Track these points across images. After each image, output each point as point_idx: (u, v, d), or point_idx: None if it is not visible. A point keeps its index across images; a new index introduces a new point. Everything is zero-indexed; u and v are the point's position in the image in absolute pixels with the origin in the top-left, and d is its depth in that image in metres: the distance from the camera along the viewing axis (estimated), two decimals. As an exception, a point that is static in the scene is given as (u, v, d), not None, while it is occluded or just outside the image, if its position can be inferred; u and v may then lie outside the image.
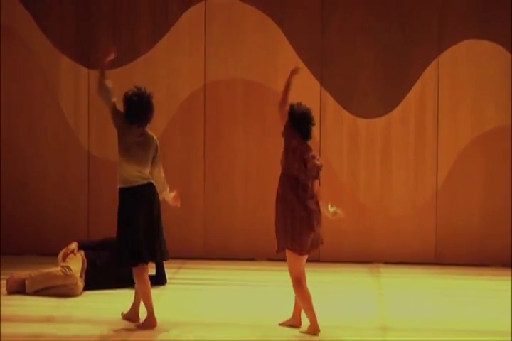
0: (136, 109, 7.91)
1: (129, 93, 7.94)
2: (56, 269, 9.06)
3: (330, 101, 10.69)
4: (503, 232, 10.69)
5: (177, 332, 7.78)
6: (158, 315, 7.99)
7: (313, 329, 7.84)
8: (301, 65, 10.59)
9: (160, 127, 10.61)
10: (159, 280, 9.45)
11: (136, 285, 8.02)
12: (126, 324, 7.98)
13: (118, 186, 7.95)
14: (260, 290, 9.44)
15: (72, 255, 9.21)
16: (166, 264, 9.44)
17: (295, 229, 7.76)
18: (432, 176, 10.75)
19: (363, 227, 10.75)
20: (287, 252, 7.79)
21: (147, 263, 7.97)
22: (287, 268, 7.78)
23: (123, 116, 7.93)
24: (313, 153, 7.87)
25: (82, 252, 9.28)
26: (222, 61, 10.83)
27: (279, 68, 10.75)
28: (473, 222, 10.75)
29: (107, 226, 10.44)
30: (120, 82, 10.77)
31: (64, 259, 9.20)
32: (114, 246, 8.00)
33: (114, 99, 7.97)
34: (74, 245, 9.32)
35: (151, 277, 9.42)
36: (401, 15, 10.68)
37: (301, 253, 7.78)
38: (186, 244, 10.71)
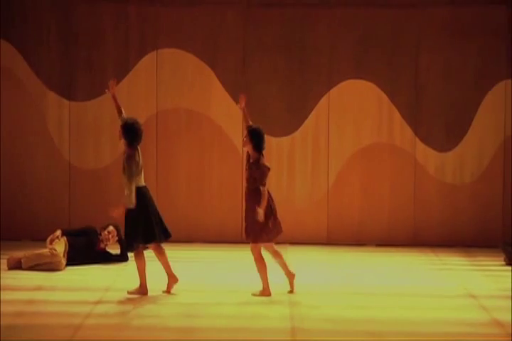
0: (136, 134, 7.72)
1: (128, 122, 7.70)
2: (45, 250, 9.01)
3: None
4: (379, 219, 10.72)
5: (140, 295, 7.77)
6: (124, 285, 7.92)
7: (266, 293, 7.72)
8: (227, 98, 10.71)
9: (122, 146, 10.54)
10: (123, 258, 9.41)
11: (136, 262, 7.76)
12: (99, 290, 7.90)
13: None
14: (198, 265, 9.40)
15: (57, 240, 9.17)
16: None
17: (259, 222, 7.58)
18: (325, 179, 10.79)
19: (274, 217, 10.79)
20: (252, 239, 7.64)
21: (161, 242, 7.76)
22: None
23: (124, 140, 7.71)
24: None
25: (65, 237, 9.22)
26: (170, 95, 10.81)
27: (212, 100, 10.77)
28: (354, 213, 10.80)
29: (84, 218, 10.46)
30: (93, 110, 10.82)
31: (51, 243, 9.15)
32: (129, 231, 7.66)
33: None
34: (58, 232, 9.26)
35: (116, 256, 9.49)
36: (301, 60, 10.70)
37: (262, 241, 7.64)
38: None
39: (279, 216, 7.86)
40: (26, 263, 8.93)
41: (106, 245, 9.43)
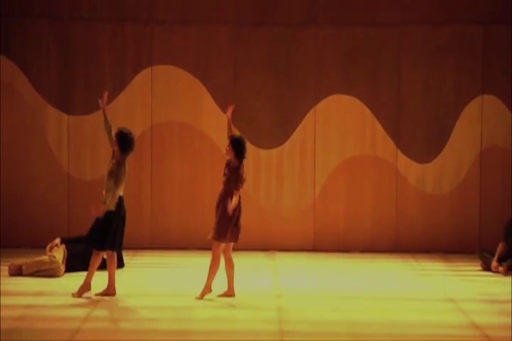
0: (129, 144, 7.74)
1: (123, 131, 7.74)
2: (45, 257, 9.00)
3: (240, 137, 10.77)
4: (363, 227, 10.72)
5: (134, 301, 7.77)
6: (120, 290, 7.91)
7: (206, 292, 7.73)
8: (218, 111, 10.75)
9: (113, 153, 10.56)
10: (119, 264, 9.38)
11: (94, 262, 7.86)
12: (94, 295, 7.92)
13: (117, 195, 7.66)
14: (192, 271, 9.39)
15: (56, 247, 9.16)
16: (123, 252, 9.42)
17: (226, 222, 7.66)
18: (311, 189, 10.79)
19: (263, 224, 10.74)
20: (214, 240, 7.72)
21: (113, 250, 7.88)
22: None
23: (117, 148, 7.73)
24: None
25: (64, 245, 9.21)
26: (164, 109, 10.81)
27: (204, 113, 10.79)
28: (339, 221, 10.79)
29: (82, 227, 10.42)
30: (90, 124, 10.82)
31: (50, 250, 9.14)
32: (93, 235, 7.77)
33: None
34: (57, 240, 9.26)
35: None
36: (289, 76, 10.71)
37: (223, 241, 7.72)
38: (137, 237, 10.63)
39: (241, 226, 7.84)
40: (27, 269, 8.91)
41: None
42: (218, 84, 10.72)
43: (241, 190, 7.80)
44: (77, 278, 8.83)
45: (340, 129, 10.75)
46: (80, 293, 7.89)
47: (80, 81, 10.74)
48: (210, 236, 7.79)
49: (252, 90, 10.73)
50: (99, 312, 7.35)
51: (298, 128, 10.77)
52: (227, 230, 7.70)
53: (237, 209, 7.78)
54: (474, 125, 10.74)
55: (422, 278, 9.16)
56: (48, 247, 9.19)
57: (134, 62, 10.72)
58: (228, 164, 7.80)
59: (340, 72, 10.69)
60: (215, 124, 10.74)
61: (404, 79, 10.70)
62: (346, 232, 10.75)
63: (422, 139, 10.75)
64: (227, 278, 7.91)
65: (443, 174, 10.77)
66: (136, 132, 10.94)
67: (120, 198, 7.77)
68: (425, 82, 10.71)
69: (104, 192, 7.83)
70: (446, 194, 10.76)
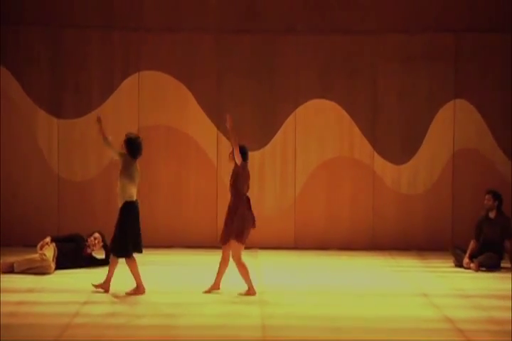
0: (137, 148, 7.84)
1: (131, 137, 7.85)
2: (35, 255, 8.95)
3: (223, 140, 10.64)
4: (341, 226, 10.72)
5: (123, 296, 7.75)
6: (111, 287, 7.88)
7: (252, 292, 7.77)
8: (202, 115, 10.75)
9: (107, 158, 10.60)
10: (107, 262, 9.35)
11: (130, 266, 7.81)
12: (86, 292, 7.88)
13: (123, 201, 7.71)
14: (179, 268, 9.39)
15: (46, 246, 9.10)
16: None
17: (240, 226, 7.70)
18: (292, 190, 10.80)
19: (246, 224, 10.80)
20: (233, 242, 7.71)
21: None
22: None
23: (126, 154, 7.81)
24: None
25: (54, 244, 9.16)
26: (150, 113, 10.79)
27: (189, 117, 10.79)
28: (319, 220, 10.80)
29: (71, 226, 10.43)
30: (80, 127, 10.80)
31: (41, 248, 9.08)
32: (116, 241, 7.76)
33: (116, 148, 7.88)
34: (48, 239, 9.20)
35: (101, 260, 9.46)
36: (270, 81, 10.71)
37: (244, 242, 7.75)
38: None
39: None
40: (18, 267, 8.86)
41: (92, 250, 9.40)
42: (203, 89, 10.73)
43: (247, 192, 7.81)
44: (67, 275, 8.82)
45: (319, 132, 10.79)
46: (100, 287, 7.87)
47: (69, 86, 10.71)
48: (227, 239, 7.73)
49: (235, 95, 10.74)
50: (89, 308, 7.32)
51: (279, 132, 10.80)
52: (244, 231, 7.73)
53: (250, 212, 7.82)
54: (447, 128, 10.80)
55: (398, 274, 9.20)
56: (38, 246, 9.14)
57: (121, 68, 10.71)
58: (233, 171, 7.89)
59: (319, 78, 10.73)
60: (200, 128, 10.76)
61: (381, 84, 10.75)
62: (325, 231, 10.77)
63: (398, 142, 10.80)
64: (217, 273, 7.90)
65: (417, 175, 10.82)
66: (123, 135, 10.96)
67: (132, 203, 7.76)
68: (400, 87, 10.76)
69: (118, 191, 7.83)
70: (420, 194, 10.81)
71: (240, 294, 7.81)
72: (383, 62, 10.74)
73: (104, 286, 7.94)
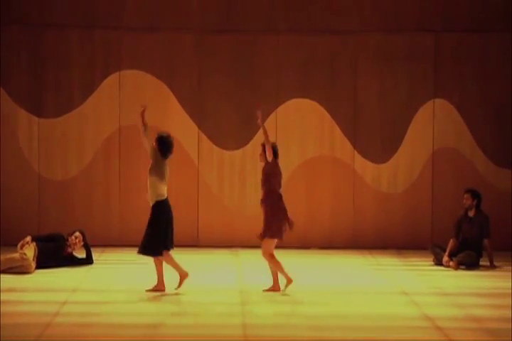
0: (168, 147, 7.79)
1: (163, 136, 7.79)
2: (16, 255, 8.92)
3: (204, 139, 10.72)
4: (321, 225, 10.76)
5: (97, 296, 7.75)
6: (91, 286, 7.89)
7: (277, 288, 7.81)
8: (183, 115, 10.75)
9: (89, 155, 10.57)
10: (88, 261, 9.39)
11: (156, 264, 7.81)
12: (67, 291, 7.85)
13: (155, 200, 7.71)
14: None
15: (27, 245, 9.08)
16: (92, 249, 9.37)
17: (275, 222, 7.75)
18: (273, 189, 10.90)
19: (226, 222, 10.72)
20: (266, 239, 7.76)
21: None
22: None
23: (157, 151, 7.78)
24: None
25: (34, 243, 9.13)
26: (131, 111, 10.73)
27: (170, 116, 10.79)
28: (299, 219, 10.70)
29: (52, 225, 10.39)
30: (60, 126, 10.76)
31: (21, 248, 9.05)
32: (147, 241, 7.74)
33: (151, 140, 7.81)
34: (28, 238, 9.17)
35: (82, 259, 9.44)
36: (250, 81, 10.74)
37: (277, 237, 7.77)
38: (106, 235, 10.64)
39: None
40: (-1, 266, 8.85)
41: (73, 249, 9.38)
42: (183, 88, 10.73)
43: (280, 189, 7.79)
44: (48, 274, 8.79)
45: (300, 131, 10.82)
46: (155, 290, 7.84)
47: (50, 85, 10.69)
48: (263, 235, 7.76)
49: (216, 94, 10.75)
50: (70, 307, 7.31)
51: (259, 131, 10.78)
52: (279, 227, 7.77)
53: (284, 208, 7.84)
54: (426, 127, 10.86)
55: (378, 272, 9.25)
56: (19, 245, 9.11)
57: (102, 67, 10.70)
58: (263, 170, 7.86)
59: (299, 77, 10.76)
60: (181, 126, 10.76)
61: (361, 83, 10.79)
62: (306, 229, 10.79)
63: (378, 141, 10.85)
64: (272, 274, 7.92)
65: (397, 174, 10.88)
66: (104, 134, 10.89)
67: (164, 201, 7.76)
68: (380, 86, 10.81)
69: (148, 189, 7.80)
70: (400, 193, 10.87)
71: (264, 290, 7.83)
72: (363, 61, 10.78)
73: (159, 287, 7.85)
